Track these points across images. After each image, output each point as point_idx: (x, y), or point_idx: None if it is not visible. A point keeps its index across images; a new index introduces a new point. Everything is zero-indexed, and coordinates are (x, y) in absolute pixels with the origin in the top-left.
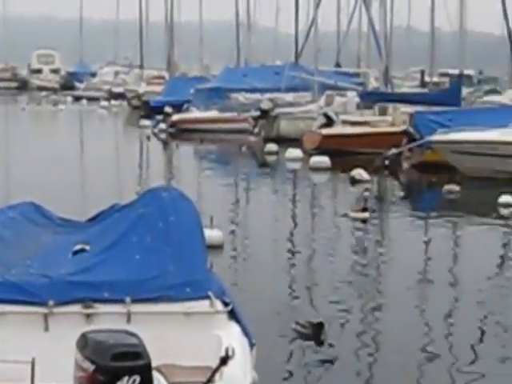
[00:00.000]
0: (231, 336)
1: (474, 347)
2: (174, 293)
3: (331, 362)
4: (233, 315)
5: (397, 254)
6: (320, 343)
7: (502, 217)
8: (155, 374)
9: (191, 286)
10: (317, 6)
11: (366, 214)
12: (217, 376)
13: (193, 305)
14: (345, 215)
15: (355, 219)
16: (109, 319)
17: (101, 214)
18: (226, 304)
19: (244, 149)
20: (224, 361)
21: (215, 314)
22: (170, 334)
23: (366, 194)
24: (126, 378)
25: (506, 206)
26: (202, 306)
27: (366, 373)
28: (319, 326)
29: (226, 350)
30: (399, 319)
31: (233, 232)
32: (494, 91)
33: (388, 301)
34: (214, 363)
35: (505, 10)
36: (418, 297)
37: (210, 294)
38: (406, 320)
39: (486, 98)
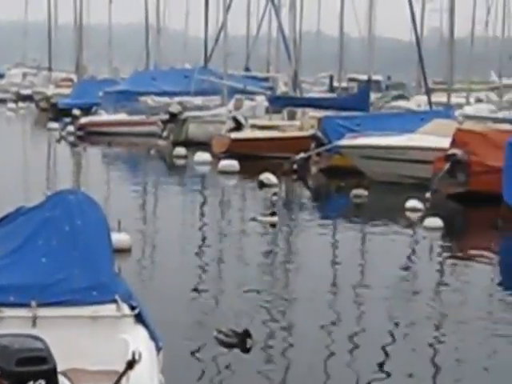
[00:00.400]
0: (138, 340)
1: (381, 351)
2: (81, 296)
3: (241, 367)
4: (140, 319)
5: (306, 259)
6: (246, 351)
7: (409, 221)
8: (61, 379)
9: (97, 289)
10: (226, 10)
11: (275, 219)
12: (123, 380)
13: (99, 308)
14: (254, 219)
15: (264, 223)
16: (14, 323)
17: (6, 217)
18: (132, 308)
19: (152, 152)
20: (131, 365)
21: (122, 317)
22: (77, 338)
23: (275, 198)
24: (31, 383)
25: (413, 210)
26: (109, 309)
27: (276, 380)
28: (245, 334)
29: (133, 354)
30: (309, 325)
31: (141, 235)
32: (401, 97)
33: (297, 306)
34: (121, 367)
35: (413, 16)
36: (327, 302)
37: (116, 297)
38: (316, 326)
39: (393, 104)
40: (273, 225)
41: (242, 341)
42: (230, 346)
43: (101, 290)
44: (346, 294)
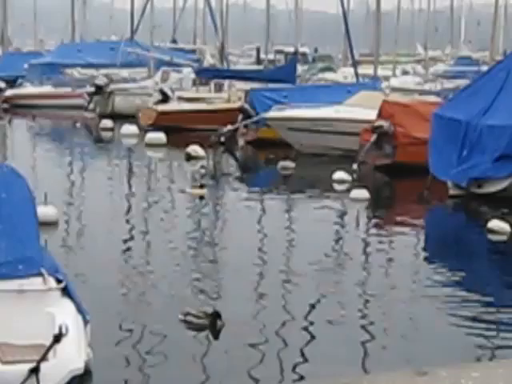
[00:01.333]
0: (65, 313)
1: (310, 320)
2: (6, 270)
3: (164, 338)
4: (66, 292)
5: (234, 230)
6: (217, 332)
7: (336, 193)
8: None
9: (23, 263)
10: None
11: (204, 191)
12: (50, 354)
13: (25, 282)
14: (182, 191)
15: (193, 196)
16: None
17: None
18: (59, 281)
19: (78, 125)
20: (57, 338)
21: (48, 291)
22: (2, 313)
23: (202, 170)
24: None
25: (340, 182)
26: (35, 283)
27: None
28: (216, 315)
29: (60, 328)
30: (236, 299)
31: (68, 208)
32: (328, 69)
33: (224, 278)
34: (48, 341)
35: None
36: (254, 273)
37: (42, 270)
38: (243, 299)
39: (320, 76)
40: (201, 197)
41: (213, 322)
42: (200, 328)
43: (27, 263)
44: (274, 266)
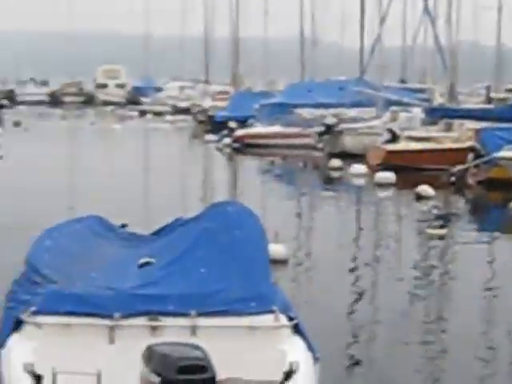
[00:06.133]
0: (295, 351)
1: None
2: (239, 307)
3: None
4: (297, 330)
5: (470, 269)
6: None
7: None
8: None
9: (256, 300)
10: (382, 21)
11: (444, 231)
12: None
13: (257, 319)
14: (423, 232)
15: (433, 236)
16: (174, 332)
17: (165, 228)
18: (290, 318)
19: (308, 164)
20: (288, 375)
21: (280, 328)
22: (235, 348)
23: (435, 211)
24: None
25: None
26: (267, 320)
27: None
28: None
29: (290, 365)
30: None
31: (297, 247)
32: None
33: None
34: (278, 378)
35: None
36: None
37: (274, 308)
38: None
39: None
40: (441, 237)
41: None
42: None
43: (259, 300)
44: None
